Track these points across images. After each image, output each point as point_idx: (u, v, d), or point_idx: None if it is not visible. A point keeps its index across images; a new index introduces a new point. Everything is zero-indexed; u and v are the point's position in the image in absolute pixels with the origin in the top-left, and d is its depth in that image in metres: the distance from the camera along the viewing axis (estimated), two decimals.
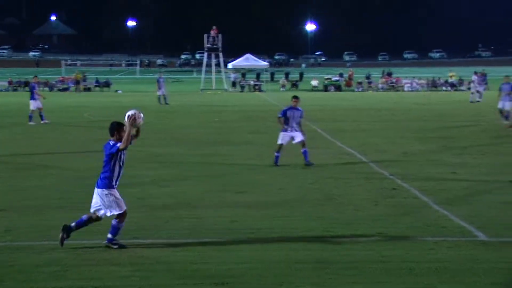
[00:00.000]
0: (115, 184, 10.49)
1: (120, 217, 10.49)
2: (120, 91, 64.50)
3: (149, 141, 22.68)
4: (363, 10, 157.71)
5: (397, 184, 15.84)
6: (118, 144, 10.34)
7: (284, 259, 9.98)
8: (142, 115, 10.55)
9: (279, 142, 18.78)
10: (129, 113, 10.44)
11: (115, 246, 10.38)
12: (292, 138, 18.81)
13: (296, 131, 18.83)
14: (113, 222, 10.51)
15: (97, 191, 10.47)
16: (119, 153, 10.39)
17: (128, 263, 9.76)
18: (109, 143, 10.47)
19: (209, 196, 14.64)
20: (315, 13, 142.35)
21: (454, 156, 20.41)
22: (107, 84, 71.45)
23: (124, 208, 10.50)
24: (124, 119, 10.43)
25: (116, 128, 10.48)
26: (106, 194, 10.39)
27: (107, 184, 10.41)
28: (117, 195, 10.47)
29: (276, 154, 18.72)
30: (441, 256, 10.15)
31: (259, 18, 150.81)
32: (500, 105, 30.27)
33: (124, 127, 10.39)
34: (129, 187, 13.98)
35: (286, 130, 18.81)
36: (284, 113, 18.86)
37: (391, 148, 22.39)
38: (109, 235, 10.46)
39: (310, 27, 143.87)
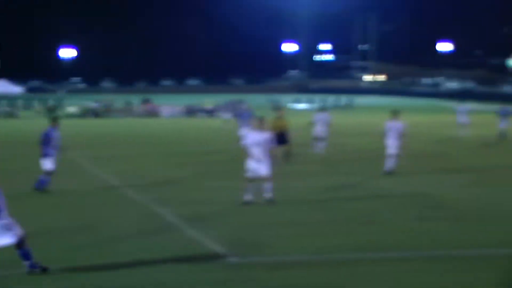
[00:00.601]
0: None
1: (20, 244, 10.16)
2: None
3: None
4: (121, 37, 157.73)
5: (156, 210, 16.04)
6: None
7: None
8: None
9: (44, 167, 18.23)
10: None
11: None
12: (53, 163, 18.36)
13: (55, 155, 18.41)
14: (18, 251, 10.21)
15: None
16: None
17: None
18: None
19: None
20: (74, 39, 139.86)
21: (211, 181, 21.08)
22: None
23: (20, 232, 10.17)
24: None
25: None
26: None
27: None
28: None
29: (41, 179, 18.23)
30: (195, 279, 10.43)
31: (13, 43, 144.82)
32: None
33: None
34: None
35: (48, 155, 18.28)
36: (45, 136, 18.36)
37: (150, 174, 22.58)
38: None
39: (69, 52, 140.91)
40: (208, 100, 72.78)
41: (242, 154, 17.13)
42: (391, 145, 22.14)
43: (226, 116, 51.44)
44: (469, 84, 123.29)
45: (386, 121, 22.74)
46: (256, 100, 73.76)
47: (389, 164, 22.21)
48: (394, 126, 22.33)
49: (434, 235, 13.43)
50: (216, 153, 30.13)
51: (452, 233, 13.67)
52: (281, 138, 25.08)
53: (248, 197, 16.54)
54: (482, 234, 13.52)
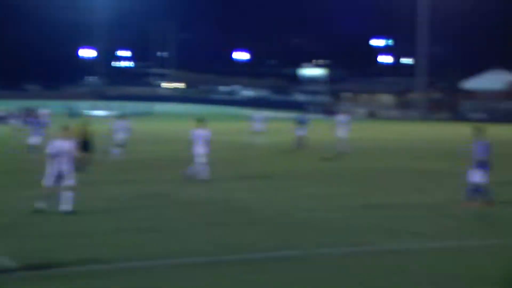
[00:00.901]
0: None
1: None
2: None
3: None
4: None
5: None
6: None
7: None
8: None
9: None
10: None
11: None
12: None
13: None
14: None
15: None
16: None
17: None
18: None
19: None
20: None
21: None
22: None
23: None
24: None
25: None
26: None
27: None
28: None
29: None
30: None
31: None
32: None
33: None
34: None
35: None
36: None
37: None
38: None
39: None
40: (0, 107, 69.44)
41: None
42: (201, 154, 22.40)
43: (18, 123, 49.41)
44: (264, 93, 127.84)
45: (192, 129, 22.89)
46: (52, 107, 71.32)
47: (200, 172, 22.39)
48: (201, 134, 22.60)
49: (220, 240, 13.78)
50: (5, 161, 28.75)
51: (239, 237, 14.11)
52: (84, 145, 24.52)
53: (40, 204, 16.14)
54: (270, 238, 14.05)
